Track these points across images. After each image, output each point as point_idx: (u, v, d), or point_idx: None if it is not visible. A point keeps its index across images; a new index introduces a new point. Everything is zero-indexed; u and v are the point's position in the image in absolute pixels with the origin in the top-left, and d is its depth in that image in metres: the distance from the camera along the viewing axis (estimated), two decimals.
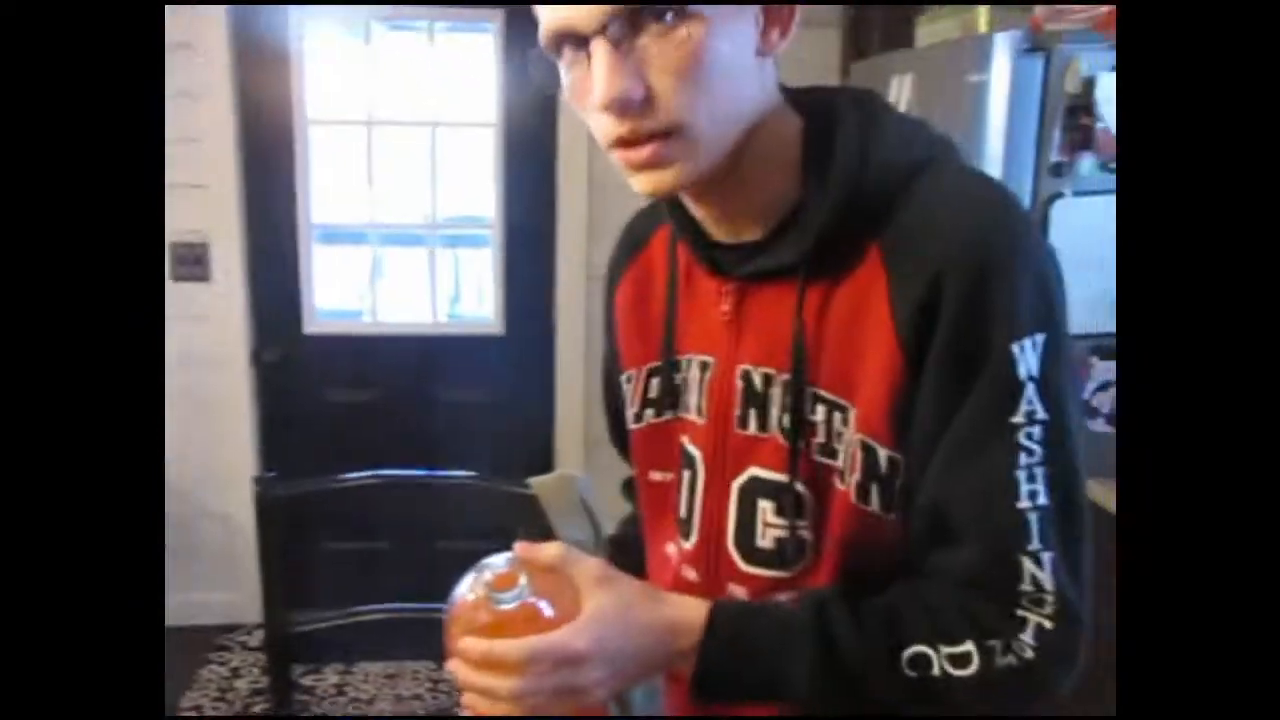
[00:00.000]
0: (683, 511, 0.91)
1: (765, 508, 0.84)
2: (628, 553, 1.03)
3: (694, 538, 0.90)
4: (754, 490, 0.84)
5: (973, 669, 0.74)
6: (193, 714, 2.64)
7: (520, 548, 0.78)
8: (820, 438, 0.80)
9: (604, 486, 1.16)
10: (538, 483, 1.26)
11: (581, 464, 3.02)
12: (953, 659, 0.75)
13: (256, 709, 2.67)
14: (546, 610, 0.76)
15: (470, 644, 0.74)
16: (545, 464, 3.06)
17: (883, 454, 0.77)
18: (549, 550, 0.78)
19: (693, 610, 0.78)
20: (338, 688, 2.80)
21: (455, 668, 0.76)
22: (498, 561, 0.79)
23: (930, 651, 0.75)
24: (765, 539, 0.84)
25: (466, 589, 0.79)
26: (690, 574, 0.90)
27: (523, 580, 0.77)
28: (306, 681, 2.80)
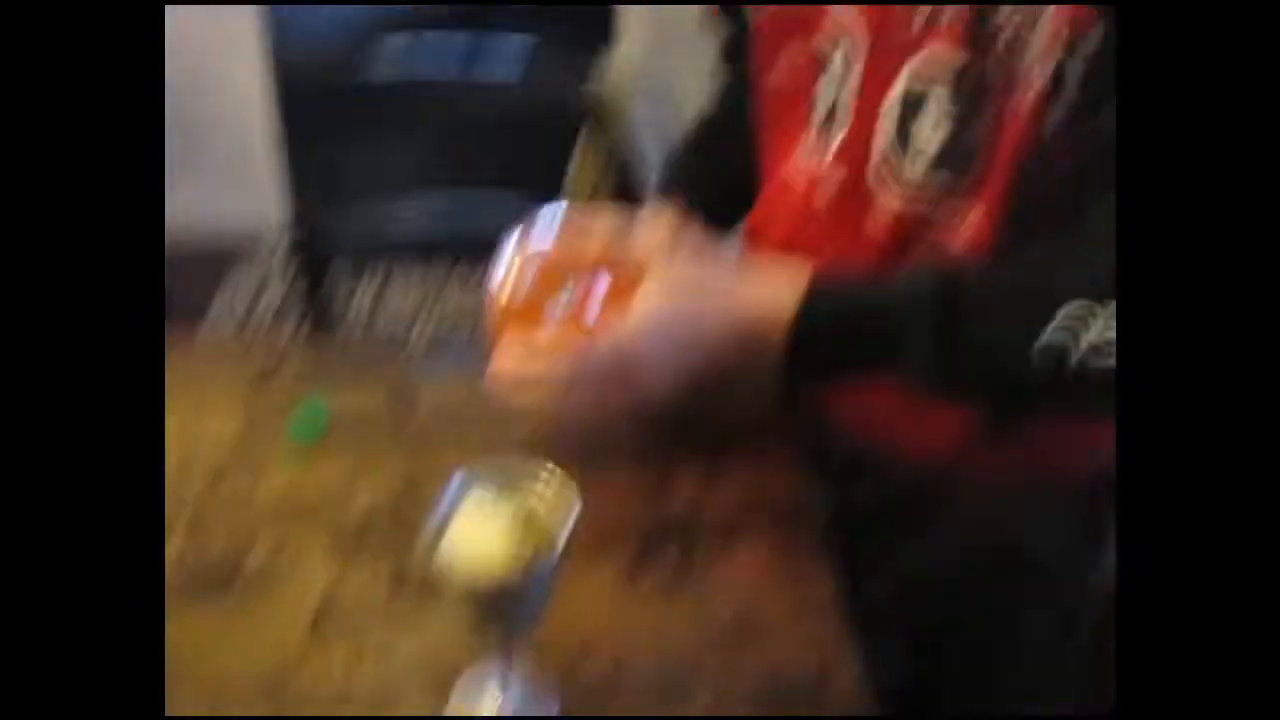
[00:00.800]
0: (821, 112, 0.79)
1: (940, 96, 0.72)
2: (715, 158, 0.95)
3: (838, 140, 0.78)
4: (926, 78, 0.72)
5: (1109, 362, 0.63)
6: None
7: (607, 262, 0.73)
8: (1008, 30, 0.68)
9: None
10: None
11: None
12: (1093, 349, 0.64)
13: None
14: (594, 309, 0.72)
15: (511, 349, 0.73)
16: None
17: (1078, 53, 0.65)
18: (634, 260, 0.72)
19: (783, 294, 0.70)
20: (376, 298, 2.75)
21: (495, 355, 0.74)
22: (544, 234, 0.73)
23: (1074, 326, 0.64)
24: (932, 140, 0.73)
25: (514, 273, 0.73)
26: (827, 190, 0.79)
27: (569, 287, 0.72)
28: (339, 297, 2.74)
